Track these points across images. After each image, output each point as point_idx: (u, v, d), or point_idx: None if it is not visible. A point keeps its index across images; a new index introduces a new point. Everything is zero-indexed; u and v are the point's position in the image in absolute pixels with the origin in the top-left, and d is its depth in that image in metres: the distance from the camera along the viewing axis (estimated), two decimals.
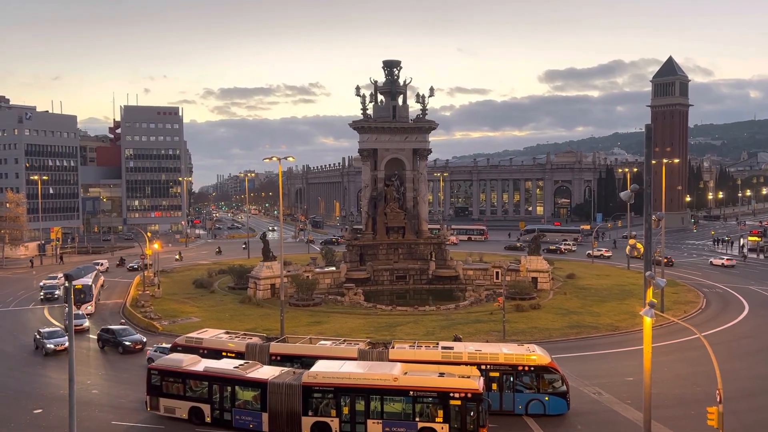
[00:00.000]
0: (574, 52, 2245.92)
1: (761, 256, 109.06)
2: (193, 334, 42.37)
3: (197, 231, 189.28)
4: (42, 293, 74.95)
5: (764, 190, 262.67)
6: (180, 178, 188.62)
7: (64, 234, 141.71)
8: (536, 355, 36.49)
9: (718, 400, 27.28)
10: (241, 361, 36.26)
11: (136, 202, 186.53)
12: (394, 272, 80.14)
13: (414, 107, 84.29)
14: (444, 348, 37.65)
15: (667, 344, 49.66)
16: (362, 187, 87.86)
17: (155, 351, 45.84)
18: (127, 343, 49.97)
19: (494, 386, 35.85)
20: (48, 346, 48.93)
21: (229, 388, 34.21)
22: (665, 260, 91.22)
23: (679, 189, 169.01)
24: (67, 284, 21.87)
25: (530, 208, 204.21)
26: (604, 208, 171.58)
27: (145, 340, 51.34)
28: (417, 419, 31.84)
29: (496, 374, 36.00)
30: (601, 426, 34.51)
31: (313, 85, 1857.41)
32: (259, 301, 70.26)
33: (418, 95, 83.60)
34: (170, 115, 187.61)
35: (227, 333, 42.76)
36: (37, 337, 51.20)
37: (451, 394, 31.54)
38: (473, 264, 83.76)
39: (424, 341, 41.17)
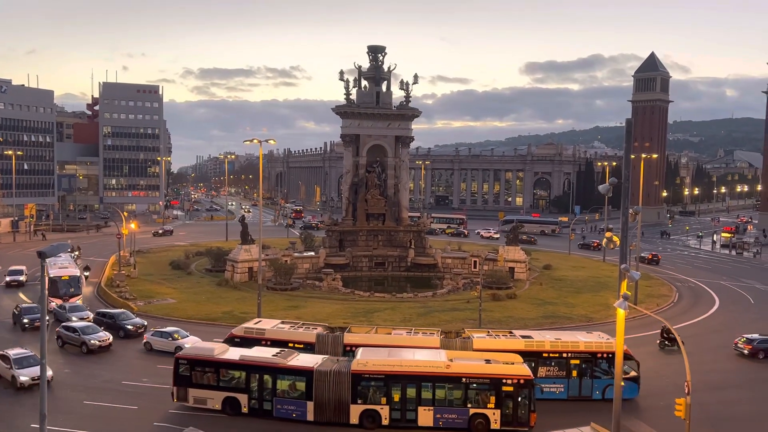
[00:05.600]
0: (555, 45, 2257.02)
1: (733, 252, 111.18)
2: (251, 324, 40.63)
3: (175, 212, 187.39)
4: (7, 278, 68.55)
5: (739, 187, 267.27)
6: (158, 158, 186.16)
7: (39, 211, 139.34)
8: (614, 341, 37.08)
9: (686, 391, 27.87)
10: (277, 349, 35.07)
11: (113, 181, 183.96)
12: (373, 259, 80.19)
13: (397, 94, 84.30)
14: (524, 337, 38.34)
15: (639, 336, 50.53)
16: (343, 173, 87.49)
17: (152, 335, 45.34)
18: (129, 327, 48.62)
19: (574, 373, 36.57)
20: (92, 342, 43.89)
21: (268, 377, 33.06)
22: (650, 256, 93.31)
23: (656, 184, 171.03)
24: (41, 262, 21.25)
25: (510, 199, 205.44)
26: (582, 201, 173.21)
27: (145, 323, 49.64)
28: (469, 405, 31.86)
29: (577, 362, 36.71)
30: (571, 416, 35.06)
31: (294, 68, 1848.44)
32: (237, 284, 69.91)
33: (401, 82, 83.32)
34: (150, 93, 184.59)
35: (283, 323, 41.35)
36: (64, 332, 45.36)
37: (504, 381, 31.75)
38: (452, 253, 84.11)
39: (498, 330, 41.84)
